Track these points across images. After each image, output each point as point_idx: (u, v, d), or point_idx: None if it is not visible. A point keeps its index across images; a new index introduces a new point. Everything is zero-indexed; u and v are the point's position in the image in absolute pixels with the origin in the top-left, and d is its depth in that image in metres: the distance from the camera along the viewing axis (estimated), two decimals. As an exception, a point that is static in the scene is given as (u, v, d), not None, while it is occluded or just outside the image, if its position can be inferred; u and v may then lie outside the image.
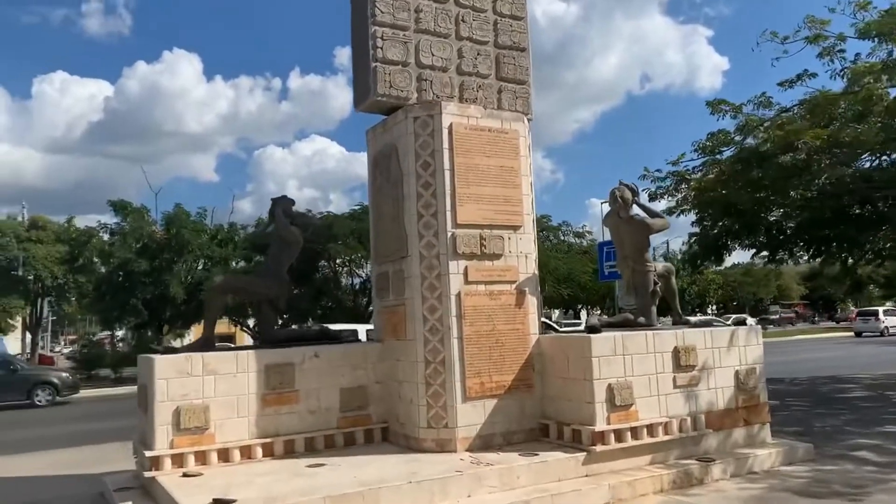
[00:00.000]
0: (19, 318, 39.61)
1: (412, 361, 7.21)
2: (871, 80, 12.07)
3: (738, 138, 14.20)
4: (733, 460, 7.11)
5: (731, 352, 7.79)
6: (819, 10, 14.19)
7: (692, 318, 11.51)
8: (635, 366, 7.04)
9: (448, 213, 7.18)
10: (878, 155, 13.21)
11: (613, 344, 6.98)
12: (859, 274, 20.69)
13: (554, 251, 34.23)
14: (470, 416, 7.00)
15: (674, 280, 8.80)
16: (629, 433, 6.82)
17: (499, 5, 8.16)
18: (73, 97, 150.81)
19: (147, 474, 6.38)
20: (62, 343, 67.36)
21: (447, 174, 7.23)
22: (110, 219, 26.76)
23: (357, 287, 26.75)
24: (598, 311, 38.39)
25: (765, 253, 16.02)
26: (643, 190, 13.53)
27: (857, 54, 12.94)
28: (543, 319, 9.03)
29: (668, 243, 41.91)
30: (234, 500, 5.40)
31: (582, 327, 9.08)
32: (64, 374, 19.81)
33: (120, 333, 41.11)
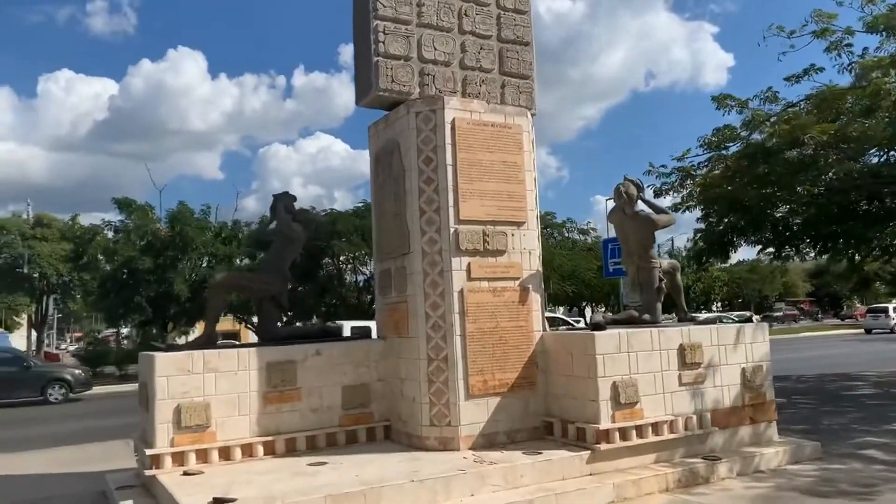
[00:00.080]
0: (25, 316, 39.80)
1: (414, 359, 7.15)
2: (880, 75, 11.94)
3: (744, 134, 14.09)
4: (739, 459, 7.03)
5: (738, 349, 7.70)
6: (826, 4, 14.09)
7: (700, 316, 11.42)
8: (640, 363, 6.96)
9: (451, 209, 7.10)
10: (886, 150, 13.07)
11: (618, 341, 6.90)
12: (866, 271, 20.52)
13: (558, 248, 34.19)
14: (473, 414, 6.93)
15: (679, 277, 8.72)
16: (634, 431, 6.75)
17: (502, -1, 8.08)
18: (78, 95, 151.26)
19: (148, 473, 6.34)
20: (68, 340, 67.66)
21: (450, 170, 7.16)
22: (115, 216, 26.89)
23: (361, 284, 26.72)
24: (603, 309, 38.33)
25: (770, 249, 15.89)
26: (648, 186, 13.42)
27: (865, 48, 12.84)
28: (558, 315, 8.98)
29: (672, 240, 41.80)
30: (235, 500, 5.35)
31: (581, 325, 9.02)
32: (77, 371, 19.91)
33: (125, 331, 41.25)
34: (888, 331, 37.76)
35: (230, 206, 33.16)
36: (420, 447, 6.94)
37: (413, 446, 7.03)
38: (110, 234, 27.14)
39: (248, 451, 6.76)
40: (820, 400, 12.35)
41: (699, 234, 15.77)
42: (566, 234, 38.79)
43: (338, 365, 7.38)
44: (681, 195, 14.84)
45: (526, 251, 7.52)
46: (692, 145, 14.79)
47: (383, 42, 7.40)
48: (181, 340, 25.46)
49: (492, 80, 7.92)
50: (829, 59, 12.77)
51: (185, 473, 6.26)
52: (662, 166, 14.74)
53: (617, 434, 6.63)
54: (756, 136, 13.93)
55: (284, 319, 8.54)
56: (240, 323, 28.73)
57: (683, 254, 33.12)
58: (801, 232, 14.83)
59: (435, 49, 7.66)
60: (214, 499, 5.38)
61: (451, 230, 7.08)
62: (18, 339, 37.64)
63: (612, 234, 12.12)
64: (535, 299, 7.50)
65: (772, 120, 13.63)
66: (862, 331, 40.69)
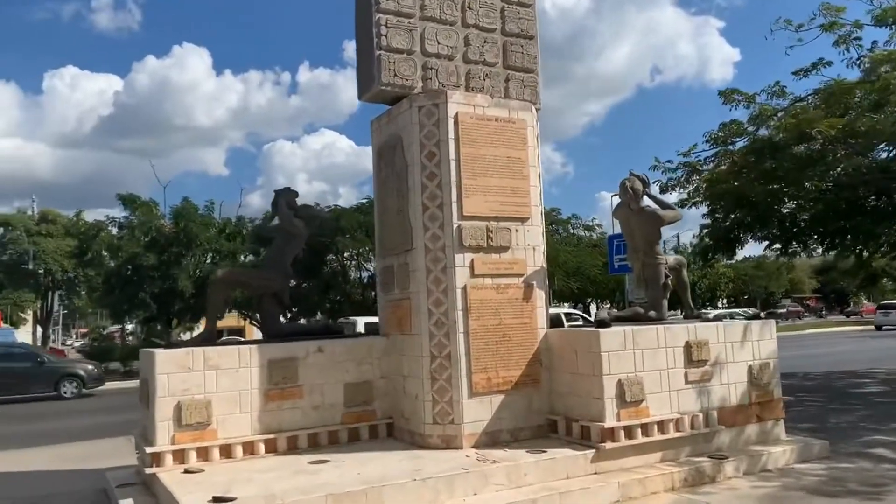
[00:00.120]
0: (30, 312, 39.93)
1: (417, 356, 7.07)
2: (889, 69, 11.80)
3: (751, 129, 13.96)
4: (746, 458, 6.94)
5: (745, 346, 7.61)
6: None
7: (711, 313, 11.33)
8: (646, 361, 6.88)
9: (454, 205, 7.02)
10: (895, 145, 12.95)
11: (623, 338, 6.82)
12: (874, 267, 20.37)
13: (563, 244, 34.01)
14: (476, 412, 6.86)
15: (685, 273, 8.63)
16: (639, 430, 6.66)
17: (506, -8, 7.98)
18: (83, 92, 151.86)
19: (148, 470, 6.29)
20: (73, 336, 67.92)
21: (453, 165, 7.07)
22: (119, 213, 26.80)
23: (365, 281, 26.68)
24: (608, 305, 38.18)
25: (777, 245, 15.76)
26: (654, 182, 13.33)
27: (874, 42, 12.70)
28: (574, 311, 8.89)
29: (678, 236, 41.57)
30: (234, 499, 5.29)
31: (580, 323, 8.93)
32: (90, 367, 19.97)
33: (130, 327, 41.32)
34: None
35: (234, 203, 33.38)
36: (423, 445, 6.87)
37: (416, 444, 6.96)
38: (115, 231, 27.15)
39: (249, 449, 6.70)
40: (827, 398, 12.24)
41: (705, 231, 15.66)
42: (571, 231, 38.62)
43: (340, 362, 7.31)
44: (687, 191, 14.75)
45: (530, 247, 7.43)
46: (698, 141, 14.68)
47: (386, 36, 7.31)
48: (186, 337, 25.51)
49: (496, 74, 7.83)
50: (838, 53, 12.65)
51: (186, 471, 6.20)
52: (668, 161, 14.66)
53: (622, 432, 6.55)
54: (763, 132, 13.80)
55: (288, 316, 8.47)
56: (244, 319, 28.72)
57: (689, 250, 33.01)
58: (809, 228, 14.70)
59: (438, 42, 7.56)
60: (214, 498, 5.32)
61: (455, 226, 7.00)
62: (24, 336, 37.71)
63: (618, 230, 12.01)
64: (540, 296, 7.42)
65: (779, 115, 13.50)
66: (870, 327, 40.40)
